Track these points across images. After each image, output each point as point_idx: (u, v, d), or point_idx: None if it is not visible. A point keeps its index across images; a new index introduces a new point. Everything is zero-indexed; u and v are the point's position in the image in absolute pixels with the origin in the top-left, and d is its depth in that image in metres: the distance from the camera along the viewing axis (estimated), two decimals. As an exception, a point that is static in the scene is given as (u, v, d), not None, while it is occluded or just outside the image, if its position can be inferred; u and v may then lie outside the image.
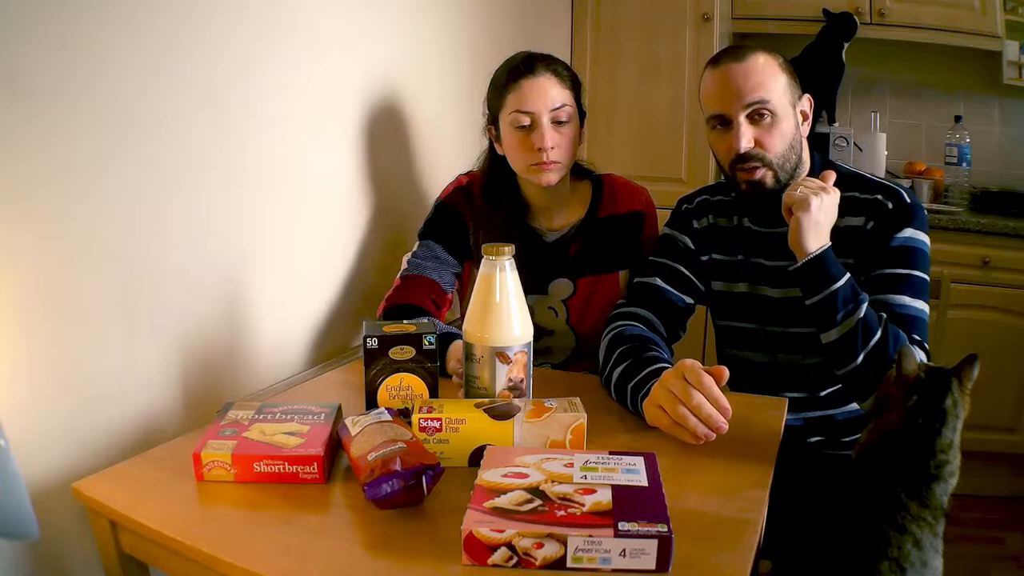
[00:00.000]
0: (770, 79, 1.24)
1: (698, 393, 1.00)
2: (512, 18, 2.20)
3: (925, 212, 1.28)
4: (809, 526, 1.01)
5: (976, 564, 2.10)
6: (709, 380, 1.01)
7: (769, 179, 1.28)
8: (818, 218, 1.17)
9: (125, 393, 1.13)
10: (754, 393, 1.32)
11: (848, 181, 1.29)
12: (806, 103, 1.32)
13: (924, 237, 1.26)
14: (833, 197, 1.19)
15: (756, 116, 1.25)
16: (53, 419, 1.02)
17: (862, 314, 1.15)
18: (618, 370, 1.20)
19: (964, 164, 2.61)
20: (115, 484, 0.95)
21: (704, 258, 1.41)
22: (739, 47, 1.29)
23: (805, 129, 1.31)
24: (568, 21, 2.63)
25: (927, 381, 0.97)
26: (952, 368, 0.98)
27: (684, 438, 1.03)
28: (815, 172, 1.31)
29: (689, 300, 1.38)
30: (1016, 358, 2.32)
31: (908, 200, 1.26)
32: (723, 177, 1.36)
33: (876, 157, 2.63)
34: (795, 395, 1.34)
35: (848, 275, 1.18)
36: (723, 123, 1.28)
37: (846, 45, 2.56)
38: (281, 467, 0.95)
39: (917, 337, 1.20)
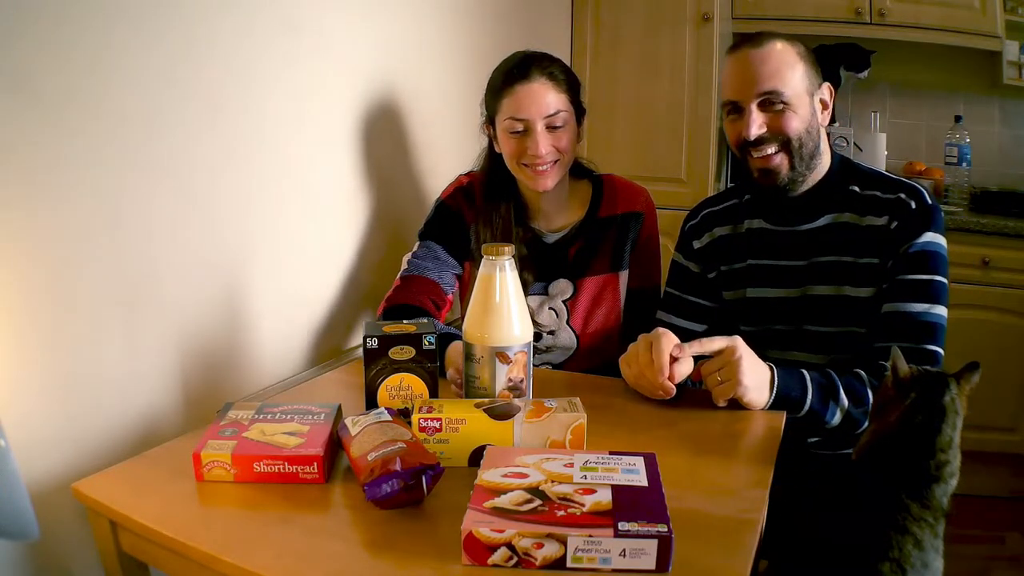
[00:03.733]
0: (786, 67, 1.22)
1: (645, 362, 1.14)
2: (512, 18, 2.20)
3: (943, 214, 1.28)
4: (809, 526, 1.01)
5: (976, 564, 2.10)
6: (660, 350, 1.12)
7: (784, 166, 1.26)
8: (752, 384, 1.12)
9: (125, 393, 1.13)
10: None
11: (868, 180, 1.30)
12: (826, 92, 1.29)
13: (943, 241, 1.26)
14: (739, 358, 1.12)
15: (768, 104, 1.23)
16: (53, 419, 1.02)
17: (845, 401, 1.17)
18: None
19: (964, 164, 2.61)
20: (115, 484, 0.95)
21: (712, 275, 1.42)
22: (759, 34, 1.26)
23: (824, 118, 1.29)
24: (568, 21, 2.63)
25: (925, 380, 0.97)
26: (952, 373, 0.98)
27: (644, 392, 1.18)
28: (834, 171, 1.31)
29: (702, 327, 1.41)
30: (1016, 358, 2.32)
31: (929, 202, 1.26)
32: (735, 180, 1.37)
33: (876, 157, 2.63)
34: None
35: (809, 381, 1.16)
36: (736, 110, 1.27)
37: (850, 74, 2.56)
38: (281, 467, 0.94)
39: (930, 347, 1.21)
